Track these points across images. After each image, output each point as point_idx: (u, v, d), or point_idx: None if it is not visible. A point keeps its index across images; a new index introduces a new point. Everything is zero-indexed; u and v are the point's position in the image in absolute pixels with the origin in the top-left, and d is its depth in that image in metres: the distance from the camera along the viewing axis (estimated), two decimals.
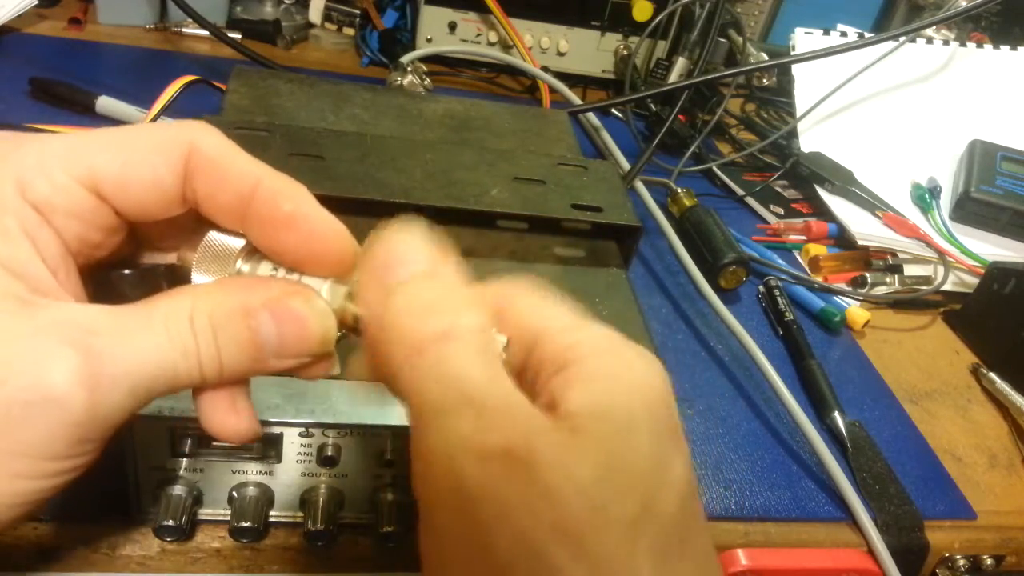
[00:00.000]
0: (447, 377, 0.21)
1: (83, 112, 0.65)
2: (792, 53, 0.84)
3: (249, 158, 0.24)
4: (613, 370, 0.22)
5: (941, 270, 0.68)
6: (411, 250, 0.23)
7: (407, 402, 0.22)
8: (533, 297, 0.24)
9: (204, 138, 0.24)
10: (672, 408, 0.22)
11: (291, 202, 0.24)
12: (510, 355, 0.23)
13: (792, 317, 0.60)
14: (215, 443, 0.36)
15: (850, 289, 0.67)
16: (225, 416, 0.24)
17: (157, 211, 0.24)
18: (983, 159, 0.77)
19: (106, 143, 0.23)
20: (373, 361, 0.23)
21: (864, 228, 0.71)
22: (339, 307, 0.24)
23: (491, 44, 0.85)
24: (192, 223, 0.25)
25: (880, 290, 0.67)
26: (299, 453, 0.36)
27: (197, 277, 0.25)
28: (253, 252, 0.25)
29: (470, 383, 0.21)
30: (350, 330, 0.25)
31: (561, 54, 0.87)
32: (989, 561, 0.48)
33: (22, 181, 0.21)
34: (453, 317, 0.22)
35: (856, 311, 0.63)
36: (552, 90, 0.82)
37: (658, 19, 0.83)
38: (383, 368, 0.22)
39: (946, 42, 0.90)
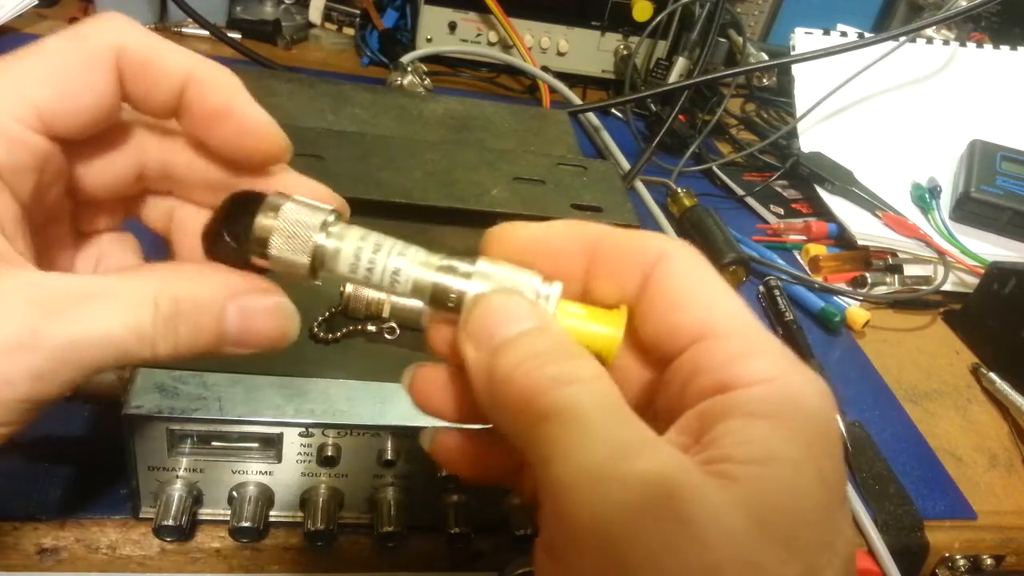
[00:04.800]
0: (573, 415, 0.19)
1: None
2: (792, 53, 0.84)
3: (179, 50, 0.23)
4: (782, 408, 0.20)
5: (941, 270, 0.68)
6: (517, 309, 0.22)
7: (530, 452, 0.20)
8: (690, 279, 0.22)
9: (130, 37, 0.22)
10: (840, 454, 0.20)
11: (220, 95, 0.23)
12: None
13: (792, 317, 0.60)
14: (215, 443, 0.36)
15: (850, 289, 0.67)
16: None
17: (99, 126, 0.23)
18: (983, 159, 0.77)
19: (39, 74, 0.21)
20: (491, 416, 0.22)
21: (864, 228, 0.71)
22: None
23: (491, 44, 0.85)
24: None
25: (880, 290, 0.67)
26: (299, 453, 0.36)
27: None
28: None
29: (599, 419, 0.19)
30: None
31: (561, 54, 0.87)
32: (989, 561, 0.48)
33: None
34: (571, 364, 0.21)
35: (856, 311, 0.63)
36: (552, 90, 0.82)
37: (658, 19, 0.83)
38: (501, 422, 0.21)
39: (946, 42, 0.90)
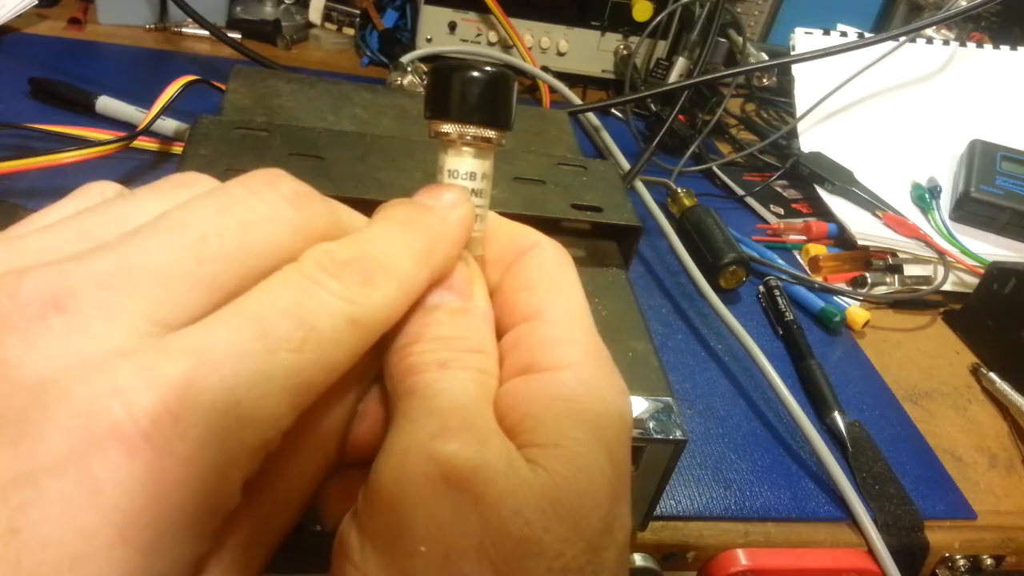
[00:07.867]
0: (432, 394, 0.20)
1: (83, 112, 0.65)
2: (792, 53, 0.84)
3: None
4: (589, 403, 0.21)
5: (941, 270, 0.68)
6: (453, 279, 0.22)
7: (391, 418, 0.21)
8: (548, 268, 0.24)
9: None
10: (629, 447, 0.21)
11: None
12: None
13: (792, 317, 0.60)
14: None
15: (850, 289, 0.67)
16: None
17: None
18: (983, 159, 0.77)
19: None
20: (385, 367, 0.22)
21: (864, 228, 0.71)
22: None
23: (491, 44, 0.85)
24: None
25: (880, 290, 0.67)
26: None
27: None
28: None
29: (450, 404, 0.20)
30: None
31: (561, 54, 0.87)
32: (989, 561, 0.48)
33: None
34: (460, 354, 0.21)
35: (856, 311, 0.63)
36: (552, 90, 0.82)
37: (658, 19, 0.83)
38: (387, 372, 0.22)
39: (946, 42, 0.90)
